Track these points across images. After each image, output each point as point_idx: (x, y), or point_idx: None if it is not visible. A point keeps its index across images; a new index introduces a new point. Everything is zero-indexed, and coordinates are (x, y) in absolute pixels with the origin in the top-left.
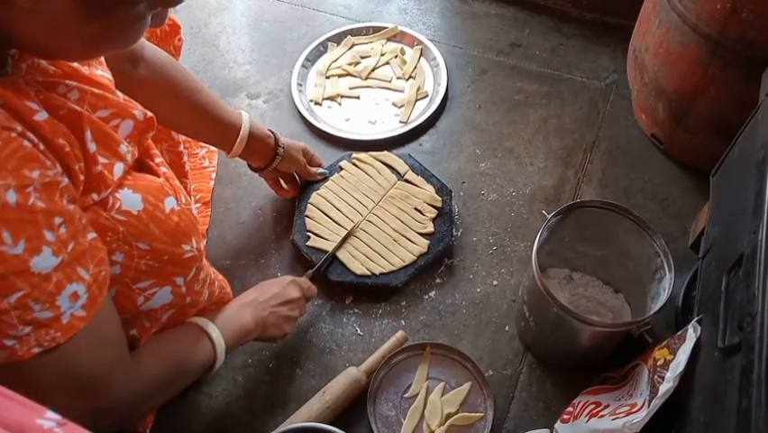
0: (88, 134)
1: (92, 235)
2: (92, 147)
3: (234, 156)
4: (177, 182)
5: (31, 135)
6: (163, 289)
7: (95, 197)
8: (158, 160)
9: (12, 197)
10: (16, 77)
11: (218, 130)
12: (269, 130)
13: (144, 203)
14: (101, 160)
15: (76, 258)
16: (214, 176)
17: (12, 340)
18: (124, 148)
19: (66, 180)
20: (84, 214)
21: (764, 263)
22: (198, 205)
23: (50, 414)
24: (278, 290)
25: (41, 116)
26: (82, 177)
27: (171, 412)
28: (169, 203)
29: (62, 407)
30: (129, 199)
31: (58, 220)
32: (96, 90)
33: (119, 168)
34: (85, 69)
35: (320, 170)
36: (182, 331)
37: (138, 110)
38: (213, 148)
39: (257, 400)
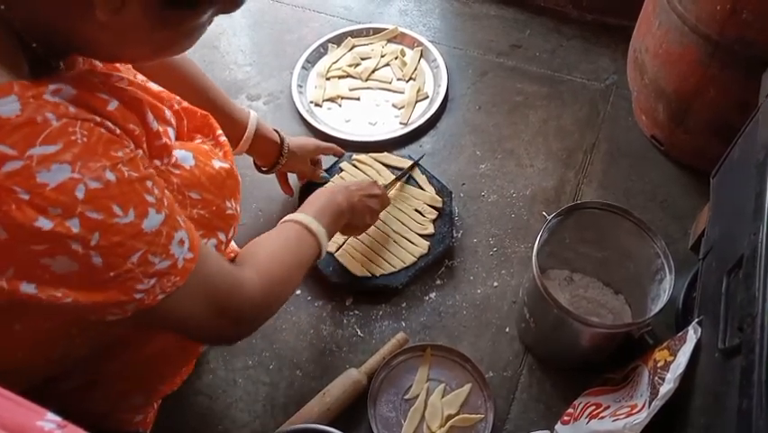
0: (150, 116)
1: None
2: (155, 126)
3: (239, 153)
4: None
5: (108, 124)
6: (210, 240)
7: (157, 162)
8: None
9: (111, 175)
10: (80, 71)
11: (225, 126)
12: (276, 131)
13: (195, 160)
14: (160, 129)
15: (173, 210)
16: None
17: (140, 294)
18: (168, 113)
19: (141, 153)
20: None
21: (765, 265)
22: None
23: (51, 416)
24: (363, 184)
25: (114, 105)
26: (146, 151)
27: (171, 414)
28: (217, 163)
29: (207, 328)
30: (182, 156)
31: (149, 184)
32: (140, 82)
33: (171, 132)
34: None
35: (323, 174)
36: (284, 231)
37: (173, 102)
38: None
39: (257, 401)
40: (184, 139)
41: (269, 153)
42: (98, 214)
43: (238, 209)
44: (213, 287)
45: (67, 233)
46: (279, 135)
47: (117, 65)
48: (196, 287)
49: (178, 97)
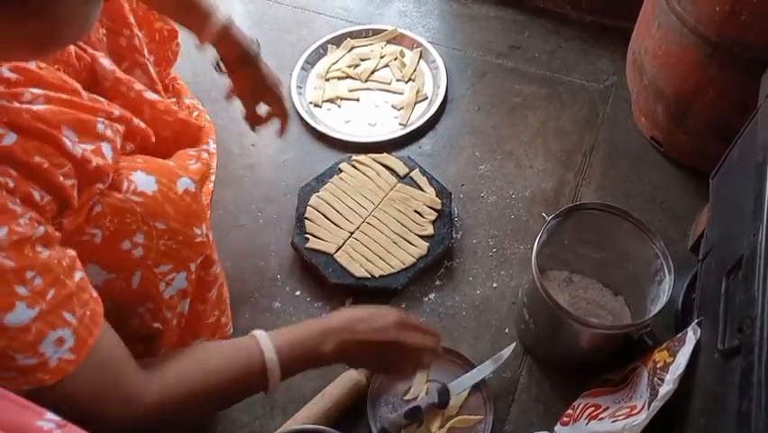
0: (67, 142)
1: (79, 275)
2: (78, 150)
3: (207, 42)
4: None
5: None
6: (180, 274)
7: (100, 186)
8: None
9: None
10: None
11: (194, 14)
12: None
13: (158, 184)
14: (88, 148)
15: (58, 305)
16: (213, 178)
17: None
18: (101, 126)
19: (41, 230)
20: (67, 253)
21: (764, 266)
22: None
23: (50, 416)
24: (378, 326)
25: (10, 140)
26: (71, 182)
27: None
28: (182, 184)
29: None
30: (143, 181)
31: (30, 274)
32: (65, 96)
33: (107, 148)
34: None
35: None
36: (235, 354)
37: (111, 109)
38: (213, 151)
39: (256, 402)
40: (136, 140)
41: (236, 51)
42: None
43: (210, 235)
44: (95, 393)
45: None
46: (254, 40)
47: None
48: (74, 387)
49: (130, 81)
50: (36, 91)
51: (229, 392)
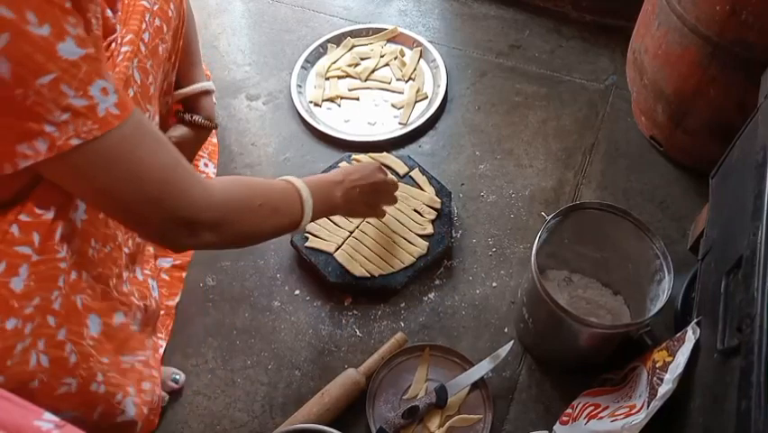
0: None
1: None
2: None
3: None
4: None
5: None
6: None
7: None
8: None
9: None
10: None
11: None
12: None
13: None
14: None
15: (99, 59)
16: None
17: (51, 126)
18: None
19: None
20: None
21: (764, 265)
22: None
23: (49, 416)
24: (366, 172)
25: None
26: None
27: (170, 414)
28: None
29: (139, 214)
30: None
31: (72, 20)
32: None
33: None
34: None
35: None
36: (271, 180)
37: None
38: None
39: (255, 401)
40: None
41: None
42: (9, 12)
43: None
44: (148, 163)
45: None
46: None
47: None
48: (126, 153)
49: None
50: None
51: (275, 204)
